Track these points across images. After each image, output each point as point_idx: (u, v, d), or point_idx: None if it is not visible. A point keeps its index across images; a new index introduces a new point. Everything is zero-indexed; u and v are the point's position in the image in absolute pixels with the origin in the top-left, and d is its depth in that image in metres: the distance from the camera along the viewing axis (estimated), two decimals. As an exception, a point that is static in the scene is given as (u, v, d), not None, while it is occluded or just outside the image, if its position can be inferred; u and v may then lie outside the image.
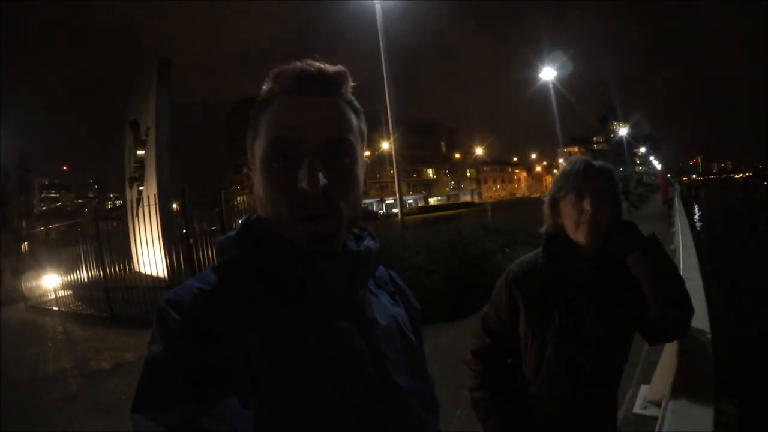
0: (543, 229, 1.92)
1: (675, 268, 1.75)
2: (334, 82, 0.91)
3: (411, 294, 1.24)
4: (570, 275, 1.81)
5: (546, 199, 1.92)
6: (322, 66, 0.91)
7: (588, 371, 1.79)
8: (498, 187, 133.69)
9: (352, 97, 0.96)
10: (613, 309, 1.76)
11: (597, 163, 1.81)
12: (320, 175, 0.83)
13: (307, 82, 0.89)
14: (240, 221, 0.96)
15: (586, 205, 1.72)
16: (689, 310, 1.73)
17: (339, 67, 0.93)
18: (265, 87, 0.93)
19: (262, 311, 0.82)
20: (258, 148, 0.90)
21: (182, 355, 0.73)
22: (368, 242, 1.01)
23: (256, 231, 0.91)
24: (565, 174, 1.82)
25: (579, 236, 1.76)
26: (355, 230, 1.05)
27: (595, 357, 1.78)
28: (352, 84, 0.96)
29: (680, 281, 1.74)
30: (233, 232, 0.93)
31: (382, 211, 65.87)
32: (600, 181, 1.75)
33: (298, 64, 0.91)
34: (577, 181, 1.76)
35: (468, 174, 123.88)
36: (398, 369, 0.94)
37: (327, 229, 0.85)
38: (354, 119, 0.94)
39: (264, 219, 0.91)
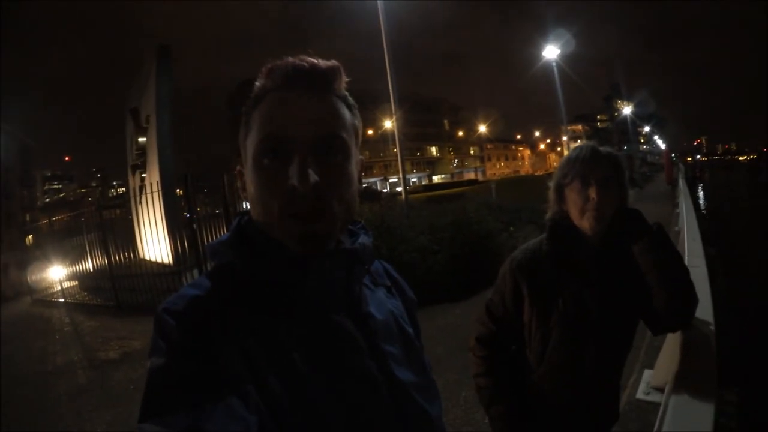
0: (548, 216, 1.93)
1: (680, 258, 1.75)
2: (326, 78, 0.91)
3: (406, 285, 1.23)
4: (575, 263, 1.81)
5: (551, 184, 1.91)
6: (315, 61, 0.90)
7: (591, 359, 1.80)
8: (502, 164, 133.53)
9: (346, 93, 0.96)
10: (618, 297, 1.77)
11: (604, 149, 1.80)
12: (311, 173, 0.82)
13: (299, 78, 0.88)
14: (232, 224, 0.96)
15: (592, 193, 1.72)
16: (693, 300, 1.74)
17: (332, 63, 0.92)
18: (257, 83, 0.92)
19: (258, 314, 0.82)
20: (250, 145, 0.89)
21: (183, 363, 0.73)
22: (362, 238, 1.01)
23: (248, 233, 0.91)
24: (571, 160, 1.81)
25: (584, 224, 1.77)
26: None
27: (599, 345, 1.79)
28: (346, 80, 0.95)
29: (685, 271, 1.73)
30: (225, 236, 0.93)
31: (386, 190, 65.97)
32: (606, 169, 1.74)
33: (291, 59, 0.90)
34: (583, 168, 1.75)
35: (471, 152, 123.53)
36: (397, 362, 0.95)
37: (318, 229, 0.85)
38: (348, 115, 0.93)
39: (256, 220, 0.91)
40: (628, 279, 1.73)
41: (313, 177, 0.82)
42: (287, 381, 0.77)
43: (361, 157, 1.00)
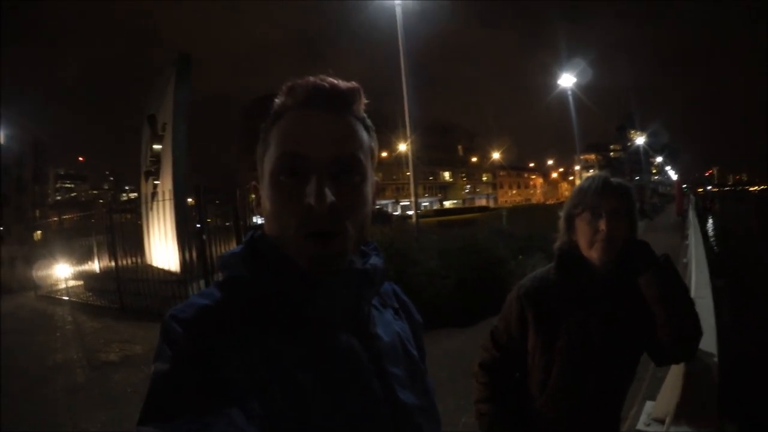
0: (556, 245, 1.92)
1: (686, 290, 1.75)
2: (347, 98, 0.91)
3: (413, 308, 1.22)
4: (581, 292, 1.81)
5: (561, 214, 1.91)
6: (336, 82, 0.90)
7: (593, 389, 1.79)
8: (514, 192, 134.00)
9: (365, 115, 0.96)
10: (623, 329, 1.76)
11: (615, 180, 1.79)
12: (328, 193, 0.82)
13: (319, 98, 0.88)
14: (245, 237, 0.95)
15: (602, 225, 1.71)
16: (698, 333, 1.73)
17: (352, 84, 0.92)
18: (277, 100, 0.93)
19: (266, 328, 0.82)
20: (267, 161, 0.89)
21: (188, 371, 0.73)
22: (374, 259, 1.00)
23: (261, 248, 0.90)
24: (582, 191, 1.81)
25: (593, 254, 1.76)
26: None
27: (601, 376, 1.79)
28: (365, 102, 0.95)
29: (690, 304, 1.73)
30: (238, 248, 0.93)
31: (397, 213, 65.96)
32: (617, 201, 1.74)
33: (312, 78, 0.90)
34: (594, 199, 1.75)
35: (484, 178, 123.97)
36: (401, 384, 0.94)
37: (333, 248, 0.84)
38: (366, 137, 0.93)
39: (269, 236, 0.91)
40: (633, 310, 1.73)
41: (330, 197, 0.81)
42: (290, 397, 0.77)
43: (376, 179, 1.00)
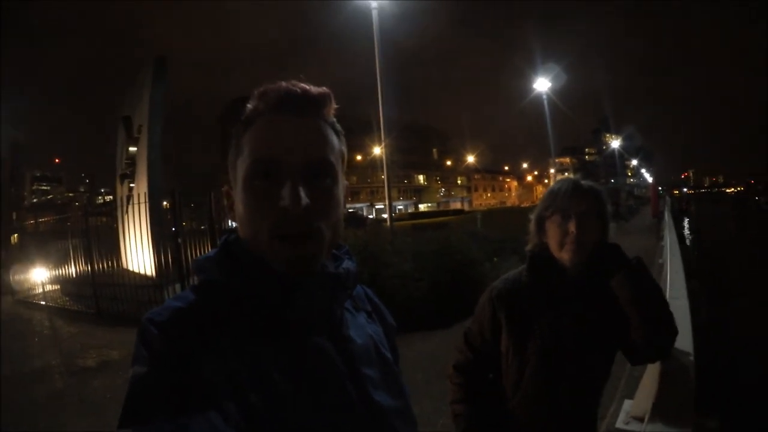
0: (528, 247, 1.94)
1: (659, 291, 1.76)
2: (317, 103, 0.94)
3: (387, 311, 1.23)
4: (553, 294, 1.83)
5: (532, 216, 1.93)
6: (307, 87, 0.93)
7: (567, 389, 1.80)
8: (488, 195, 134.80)
9: (335, 120, 0.98)
10: (595, 329, 1.78)
11: (586, 183, 1.82)
12: (303, 196, 0.84)
13: (291, 103, 0.91)
14: (219, 241, 0.96)
15: (571, 227, 1.73)
16: (672, 332, 1.74)
17: (323, 89, 0.94)
18: (249, 105, 0.94)
19: (241, 332, 0.83)
20: (240, 166, 0.91)
21: (165, 374, 0.74)
22: (347, 263, 1.02)
23: (235, 251, 0.92)
24: (552, 193, 1.83)
25: (563, 256, 1.78)
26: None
27: (575, 376, 1.80)
28: (335, 107, 0.98)
29: (664, 304, 1.75)
30: (212, 252, 0.94)
31: (371, 216, 65.64)
32: (587, 203, 1.76)
33: (283, 84, 0.92)
34: (564, 201, 1.77)
35: (459, 181, 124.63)
36: (375, 386, 0.96)
37: (307, 250, 0.87)
38: (336, 141, 0.96)
39: (243, 239, 0.92)
40: (605, 311, 1.74)
41: (305, 200, 0.84)
42: (266, 399, 0.78)
43: (346, 182, 1.02)
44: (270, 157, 0.87)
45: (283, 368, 0.83)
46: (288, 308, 0.87)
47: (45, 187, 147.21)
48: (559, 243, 1.78)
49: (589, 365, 1.81)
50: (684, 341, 2.29)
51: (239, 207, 0.91)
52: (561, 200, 1.78)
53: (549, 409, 1.82)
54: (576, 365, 1.79)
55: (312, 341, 0.90)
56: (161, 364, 0.75)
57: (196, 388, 0.73)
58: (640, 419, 3.33)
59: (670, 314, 1.74)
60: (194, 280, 0.97)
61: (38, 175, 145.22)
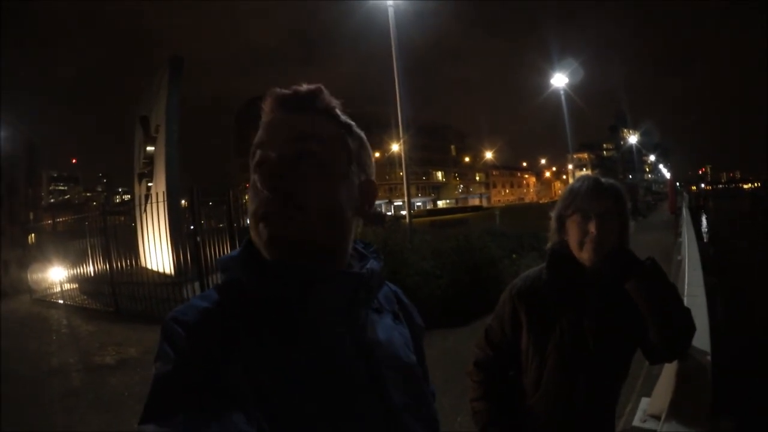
0: (548, 245, 1.94)
1: (675, 292, 1.75)
2: (306, 98, 0.96)
3: (416, 312, 1.23)
4: (572, 292, 1.82)
5: (553, 214, 1.92)
6: (298, 87, 0.97)
7: (586, 387, 1.80)
8: (507, 191, 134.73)
9: (338, 113, 0.99)
10: (614, 327, 1.77)
11: (606, 181, 1.81)
12: (278, 176, 0.87)
13: (282, 103, 0.96)
14: (244, 241, 0.96)
15: (591, 228, 1.72)
16: (690, 332, 1.74)
17: (312, 86, 0.97)
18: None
19: (264, 331, 0.83)
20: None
21: (189, 372, 0.74)
22: (372, 263, 1.01)
23: (257, 251, 0.92)
24: (573, 192, 1.82)
25: (583, 256, 1.77)
26: (359, 247, 1.06)
27: (594, 375, 1.80)
28: (337, 101, 0.99)
29: (681, 305, 1.74)
30: (236, 252, 0.94)
31: (390, 213, 65.82)
32: (607, 203, 1.75)
33: (278, 89, 0.96)
34: (584, 201, 1.76)
35: (477, 178, 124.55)
36: (398, 390, 0.95)
37: (287, 233, 0.87)
38: (333, 131, 0.97)
39: None
40: (625, 309, 1.73)
41: (280, 179, 0.87)
42: (287, 400, 0.78)
43: (368, 177, 1.02)
44: (260, 149, 0.92)
45: (303, 370, 0.82)
46: (306, 309, 0.87)
47: (62, 187, 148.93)
48: (579, 243, 1.77)
49: (607, 364, 1.81)
50: (702, 339, 2.26)
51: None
52: (581, 200, 1.77)
53: (568, 407, 1.82)
54: (595, 363, 1.78)
55: (333, 343, 0.89)
56: (185, 362, 0.75)
57: (218, 387, 0.73)
58: (657, 417, 3.28)
59: (688, 314, 1.74)
60: (216, 278, 0.95)
61: (55, 175, 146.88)
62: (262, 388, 0.77)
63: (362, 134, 1.03)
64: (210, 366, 0.75)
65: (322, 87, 0.98)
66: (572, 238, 1.80)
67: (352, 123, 1.01)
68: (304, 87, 0.96)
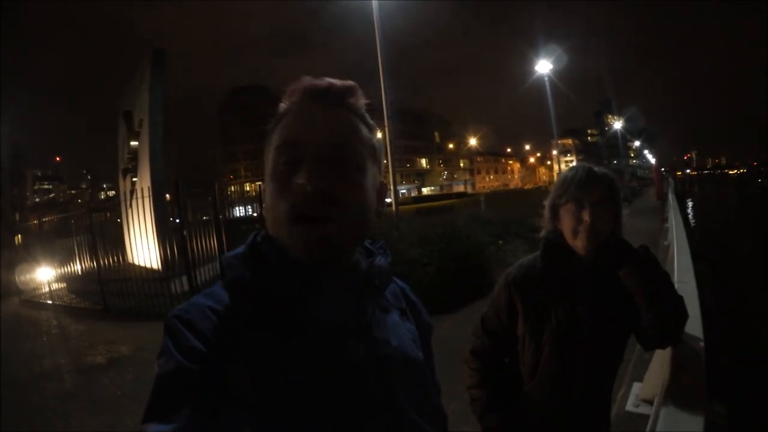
0: (542, 234, 1.95)
1: (667, 279, 1.77)
2: (342, 94, 0.94)
3: (423, 309, 1.23)
4: (567, 280, 1.84)
5: (546, 203, 1.93)
6: (333, 81, 0.94)
7: (582, 372, 1.82)
8: (491, 177, 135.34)
9: (365, 113, 0.97)
10: (608, 314, 1.79)
11: (599, 170, 1.82)
12: (319, 175, 0.84)
13: (316, 94, 0.92)
14: (248, 238, 0.96)
15: (585, 216, 1.74)
16: (682, 318, 1.76)
17: (349, 82, 0.95)
18: (282, 104, 0.95)
19: (269, 331, 0.82)
20: (268, 156, 0.92)
21: (191, 371, 0.74)
22: (379, 260, 1.01)
23: (262, 249, 0.91)
24: (566, 181, 1.83)
25: (577, 244, 1.79)
26: (367, 243, 1.05)
27: (590, 359, 1.81)
28: (365, 101, 0.98)
29: (673, 292, 1.76)
30: (240, 249, 0.94)
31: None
32: (601, 191, 1.76)
33: (308, 78, 0.94)
34: (578, 190, 1.77)
35: (461, 164, 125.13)
36: (405, 387, 0.94)
37: (324, 234, 0.85)
38: (365, 132, 0.95)
39: (271, 233, 0.92)
40: (618, 297, 1.75)
41: (321, 179, 0.84)
42: (291, 399, 0.78)
43: (382, 179, 1.01)
44: (292, 140, 0.88)
45: (308, 368, 0.82)
46: (313, 307, 0.86)
47: (47, 186, 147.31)
48: (573, 231, 1.78)
49: (602, 350, 1.83)
50: (694, 325, 2.28)
51: (267, 197, 0.91)
52: (575, 189, 1.78)
53: (564, 393, 1.84)
54: (590, 350, 1.80)
55: (340, 341, 0.88)
56: (188, 361, 0.75)
57: (221, 386, 0.73)
58: (650, 402, 3.31)
59: (680, 300, 1.75)
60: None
61: (39, 174, 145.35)
62: (266, 386, 0.77)
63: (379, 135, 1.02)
64: (213, 364, 0.75)
65: (357, 85, 0.97)
66: (566, 226, 1.81)
67: (374, 124, 1.01)
68: (339, 82, 0.94)
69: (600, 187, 1.76)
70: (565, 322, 1.80)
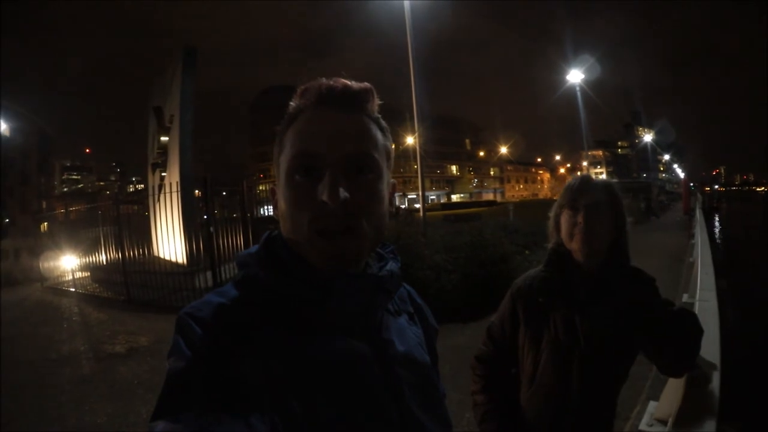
0: (548, 245, 1.98)
1: (678, 315, 1.76)
2: (359, 98, 0.92)
3: (430, 313, 1.22)
4: (567, 289, 1.85)
5: (551, 215, 1.97)
6: (348, 82, 0.91)
7: (579, 384, 1.81)
8: (521, 186, 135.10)
9: (379, 116, 0.96)
10: (608, 327, 1.77)
11: (598, 178, 1.87)
12: (342, 189, 0.82)
13: (332, 98, 0.89)
14: (262, 237, 0.95)
15: (579, 218, 1.76)
16: (696, 347, 1.76)
17: (365, 84, 0.93)
18: (292, 103, 0.93)
19: (280, 330, 0.82)
20: (283, 162, 0.90)
21: (203, 369, 0.73)
22: (391, 264, 1.01)
23: (277, 249, 0.91)
24: (566, 189, 1.88)
25: (573, 247, 1.81)
26: (377, 247, 1.04)
27: (587, 372, 1.81)
28: (378, 102, 0.96)
29: (684, 326, 1.74)
30: (254, 248, 0.94)
31: (404, 206, 66.02)
32: (596, 195, 1.78)
33: (324, 80, 0.91)
34: (572, 195, 1.81)
35: (491, 172, 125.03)
36: (412, 391, 0.94)
37: (347, 247, 0.84)
38: (380, 136, 0.94)
39: (285, 237, 0.91)
40: (620, 311, 1.74)
41: (344, 193, 0.81)
42: (302, 399, 0.77)
43: (393, 180, 1.00)
44: (310, 151, 0.86)
45: (318, 369, 0.82)
46: (324, 309, 0.86)
47: (75, 177, 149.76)
48: (569, 234, 1.81)
49: (600, 363, 1.81)
50: (711, 346, 2.27)
51: (281, 203, 0.90)
52: (570, 194, 1.83)
53: (561, 402, 1.85)
54: (587, 362, 1.80)
55: (349, 343, 0.88)
56: (199, 359, 0.75)
57: (232, 385, 0.73)
58: (664, 422, 3.25)
59: (692, 332, 1.75)
60: (228, 268, 0.90)
61: (68, 164, 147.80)
62: (277, 386, 0.76)
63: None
64: (224, 363, 0.74)
65: (372, 87, 0.95)
66: (564, 231, 1.84)
67: (387, 126, 0.99)
68: (355, 84, 0.92)
69: (594, 191, 1.79)
70: (562, 330, 1.82)
